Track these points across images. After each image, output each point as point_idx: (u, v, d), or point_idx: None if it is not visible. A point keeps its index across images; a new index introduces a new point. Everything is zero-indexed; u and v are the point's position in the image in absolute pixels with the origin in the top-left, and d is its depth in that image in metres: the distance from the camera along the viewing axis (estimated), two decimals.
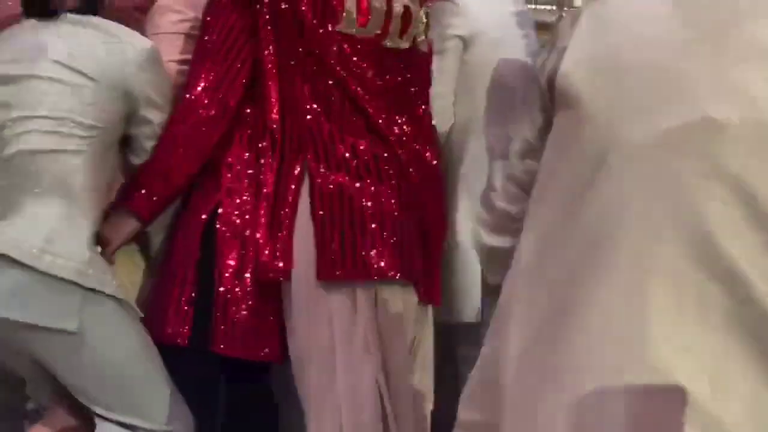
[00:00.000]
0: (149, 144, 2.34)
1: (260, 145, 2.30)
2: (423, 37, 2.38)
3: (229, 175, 2.32)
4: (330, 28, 2.23)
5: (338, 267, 2.19)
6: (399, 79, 2.33)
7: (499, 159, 1.87)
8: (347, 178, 2.23)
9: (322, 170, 2.23)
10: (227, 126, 2.30)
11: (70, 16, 2.32)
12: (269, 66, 2.26)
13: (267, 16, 2.25)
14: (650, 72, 1.34)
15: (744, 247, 1.25)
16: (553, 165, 1.44)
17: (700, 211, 1.27)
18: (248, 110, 2.32)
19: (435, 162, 2.43)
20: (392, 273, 2.21)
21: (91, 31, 2.29)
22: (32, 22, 2.32)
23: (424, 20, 2.39)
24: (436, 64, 2.53)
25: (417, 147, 2.36)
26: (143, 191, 2.31)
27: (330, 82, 2.24)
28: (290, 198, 2.23)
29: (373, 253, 2.20)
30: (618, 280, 1.30)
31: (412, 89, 2.38)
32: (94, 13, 2.35)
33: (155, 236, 2.50)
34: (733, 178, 1.26)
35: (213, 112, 2.28)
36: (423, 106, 2.42)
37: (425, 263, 2.35)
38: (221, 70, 2.29)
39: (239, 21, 2.28)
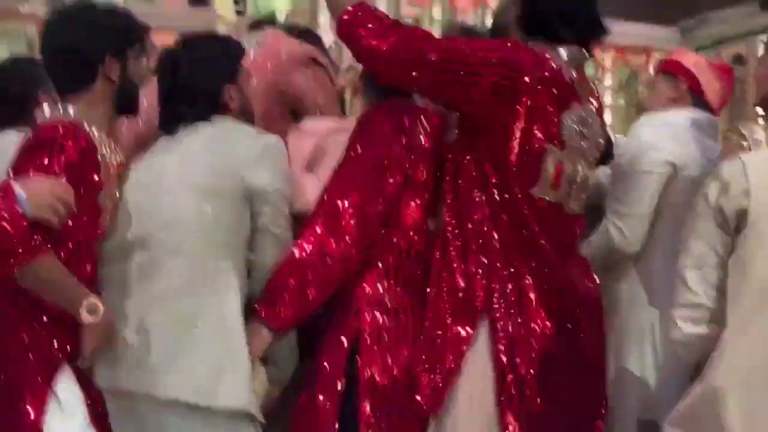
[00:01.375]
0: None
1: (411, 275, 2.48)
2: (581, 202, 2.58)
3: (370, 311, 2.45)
4: (527, 191, 2.41)
5: None
6: (569, 239, 2.55)
7: (695, 269, 2.27)
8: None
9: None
10: (368, 253, 2.44)
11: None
12: (446, 208, 2.46)
13: (449, 165, 2.47)
14: None
15: None
16: (743, 269, 2.17)
17: None
18: (394, 239, 2.48)
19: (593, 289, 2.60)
20: None
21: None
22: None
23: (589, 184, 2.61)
24: (642, 183, 2.77)
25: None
26: (280, 307, 2.40)
27: (516, 233, 2.41)
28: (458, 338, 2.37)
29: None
30: None
31: (573, 248, 2.57)
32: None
33: None
34: None
35: (357, 237, 2.41)
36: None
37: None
38: (372, 193, 2.43)
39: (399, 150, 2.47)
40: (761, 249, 2.17)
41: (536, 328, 2.38)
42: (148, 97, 2.61)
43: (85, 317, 2.22)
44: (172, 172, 2.42)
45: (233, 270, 2.41)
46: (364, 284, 2.47)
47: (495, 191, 2.43)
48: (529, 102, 2.40)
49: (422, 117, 2.54)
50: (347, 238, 2.42)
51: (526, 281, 2.40)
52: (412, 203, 2.51)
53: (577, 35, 2.55)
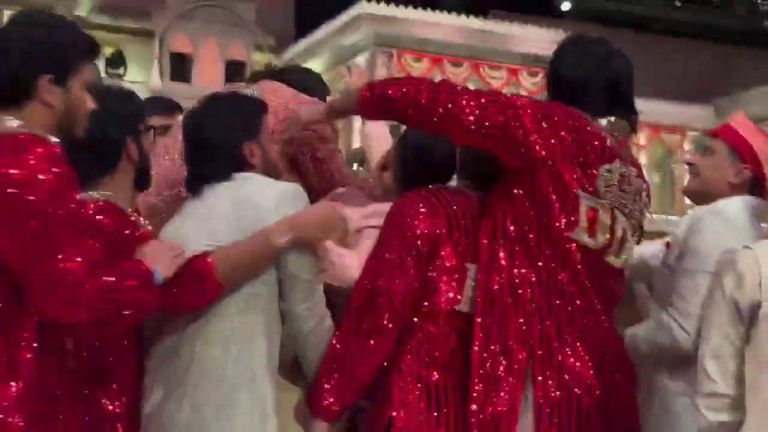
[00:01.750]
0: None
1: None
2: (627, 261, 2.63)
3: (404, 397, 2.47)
4: (567, 233, 2.48)
5: None
6: (612, 293, 2.57)
7: (714, 358, 2.31)
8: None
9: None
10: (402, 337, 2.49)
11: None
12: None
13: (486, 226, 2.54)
14: None
15: None
16: (758, 360, 2.22)
17: None
18: (426, 323, 2.50)
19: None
20: None
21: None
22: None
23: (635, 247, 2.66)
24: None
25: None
26: (328, 398, 2.45)
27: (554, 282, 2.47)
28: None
29: None
30: None
31: (611, 304, 2.59)
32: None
33: None
34: None
35: (391, 325, 2.46)
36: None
37: None
38: (399, 279, 2.47)
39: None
40: None
41: (577, 390, 2.42)
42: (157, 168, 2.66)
43: (282, 242, 2.36)
44: (196, 234, 2.44)
45: (264, 324, 2.42)
46: (398, 370, 2.48)
47: (534, 239, 2.48)
48: (555, 145, 2.46)
49: (447, 207, 2.56)
50: (380, 325, 2.46)
51: (566, 339, 2.45)
52: (442, 286, 2.52)
53: (606, 110, 2.60)
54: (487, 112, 2.47)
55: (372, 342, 2.46)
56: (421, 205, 2.54)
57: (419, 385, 2.48)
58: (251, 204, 2.41)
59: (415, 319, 2.50)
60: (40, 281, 2.05)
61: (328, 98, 2.85)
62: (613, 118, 2.60)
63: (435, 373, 2.50)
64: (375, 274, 2.50)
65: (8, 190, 2.03)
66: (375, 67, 18.36)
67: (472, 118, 2.46)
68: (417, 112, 2.49)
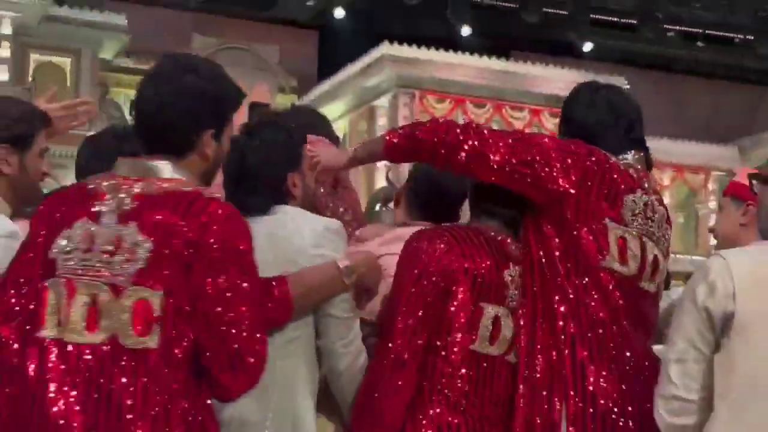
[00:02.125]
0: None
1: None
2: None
3: None
4: (599, 262, 2.56)
5: None
6: (647, 317, 2.64)
7: (678, 363, 2.36)
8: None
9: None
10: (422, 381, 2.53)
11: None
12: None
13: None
14: None
15: None
16: (731, 366, 2.28)
17: None
18: (446, 368, 2.54)
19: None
20: None
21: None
22: None
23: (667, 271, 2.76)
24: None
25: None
26: None
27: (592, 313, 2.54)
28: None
29: None
30: None
31: (646, 329, 2.65)
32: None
33: None
34: None
35: (412, 359, 2.48)
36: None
37: None
38: (418, 321, 2.50)
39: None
40: (749, 348, 2.28)
41: (612, 416, 2.48)
42: None
43: (349, 282, 2.41)
44: None
45: (305, 366, 2.41)
46: (411, 410, 2.50)
47: (563, 271, 2.54)
48: (581, 178, 2.55)
49: (462, 244, 2.59)
50: (401, 360, 2.48)
51: (601, 372, 2.50)
52: (457, 325, 2.52)
53: (622, 149, 2.71)
54: (514, 150, 2.54)
55: (395, 377, 2.47)
56: (438, 241, 2.56)
57: (433, 425, 2.49)
58: (291, 242, 2.41)
59: (430, 358, 2.51)
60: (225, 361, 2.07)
61: (351, 148, 2.89)
62: (630, 154, 2.70)
63: (448, 413, 2.51)
64: (393, 310, 2.52)
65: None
66: (397, 108, 18.43)
67: (499, 156, 2.52)
68: (446, 152, 2.54)
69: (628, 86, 19.44)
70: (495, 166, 2.52)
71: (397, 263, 2.59)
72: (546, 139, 2.62)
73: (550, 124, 18.64)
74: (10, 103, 2.64)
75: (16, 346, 2.07)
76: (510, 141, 2.55)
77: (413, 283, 2.51)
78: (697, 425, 2.33)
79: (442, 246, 2.55)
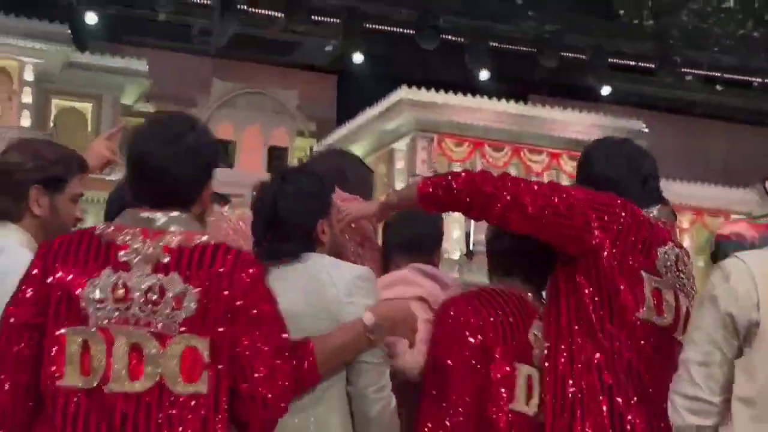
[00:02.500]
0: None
1: None
2: None
3: None
4: (636, 313, 2.59)
5: None
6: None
7: (702, 365, 2.34)
8: None
9: None
10: None
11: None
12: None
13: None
14: None
15: None
16: (753, 373, 2.28)
17: None
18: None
19: None
20: None
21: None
22: None
23: None
24: None
25: None
26: None
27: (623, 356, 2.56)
28: None
29: None
30: None
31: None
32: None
33: None
34: None
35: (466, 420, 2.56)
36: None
37: None
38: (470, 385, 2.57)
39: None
40: None
41: None
42: None
43: (376, 339, 2.42)
44: None
45: (336, 413, 2.42)
46: None
47: (597, 323, 2.56)
48: (617, 231, 2.58)
49: (489, 307, 2.64)
50: (457, 423, 2.54)
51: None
52: (497, 386, 2.57)
53: (645, 202, 2.73)
54: (550, 200, 2.56)
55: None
56: (469, 308, 2.62)
57: None
58: (323, 291, 2.43)
59: (481, 424, 2.56)
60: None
61: (384, 195, 2.90)
62: (656, 208, 2.74)
63: None
64: (443, 381, 2.56)
65: None
66: (416, 151, 18.49)
67: (535, 207, 2.55)
68: (482, 203, 2.57)
69: (646, 129, 19.46)
70: (531, 216, 2.54)
71: (434, 331, 2.64)
72: (581, 192, 2.65)
73: (569, 167, 18.64)
74: (48, 146, 2.68)
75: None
76: (546, 191, 2.58)
77: (457, 354, 2.57)
78: (714, 427, 2.34)
79: (477, 312, 2.60)
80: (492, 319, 2.60)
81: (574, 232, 2.57)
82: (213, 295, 2.09)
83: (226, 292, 2.09)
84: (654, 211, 2.72)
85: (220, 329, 2.08)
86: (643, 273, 2.59)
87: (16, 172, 2.56)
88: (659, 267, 2.63)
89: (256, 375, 2.10)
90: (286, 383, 2.14)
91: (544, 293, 2.75)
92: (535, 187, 2.59)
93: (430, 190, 2.62)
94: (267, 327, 2.14)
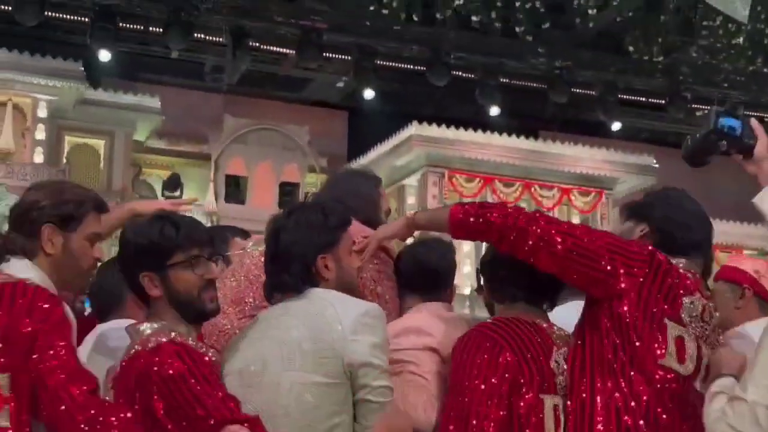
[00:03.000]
0: None
1: None
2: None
3: None
4: (658, 360, 2.62)
5: None
6: (698, 417, 2.62)
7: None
8: None
9: None
10: None
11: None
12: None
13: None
14: None
15: None
16: None
17: None
18: None
19: None
20: None
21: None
22: None
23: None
24: None
25: None
26: None
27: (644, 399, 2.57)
28: None
29: None
30: None
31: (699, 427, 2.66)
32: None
33: None
34: None
35: None
36: None
37: None
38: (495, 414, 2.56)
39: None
40: None
41: None
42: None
43: None
44: (274, 360, 2.42)
45: None
46: None
47: (619, 367, 2.58)
48: (643, 278, 2.61)
49: (510, 340, 2.65)
50: None
51: None
52: (526, 420, 2.60)
53: (695, 257, 2.80)
54: (580, 242, 2.61)
55: None
56: (488, 343, 2.62)
57: None
58: (328, 330, 2.43)
59: None
60: None
61: (411, 213, 2.91)
62: (694, 259, 2.78)
63: None
64: (465, 415, 2.55)
65: None
66: (426, 187, 18.49)
67: (563, 247, 2.59)
68: (515, 237, 2.60)
69: (657, 165, 19.43)
70: (560, 256, 2.58)
71: (453, 372, 2.62)
72: (609, 237, 2.69)
73: (580, 202, 18.61)
74: (66, 186, 2.71)
75: None
76: (576, 233, 2.61)
77: (480, 392, 2.55)
78: None
79: (495, 347, 2.61)
80: (516, 351, 2.61)
81: (601, 275, 2.60)
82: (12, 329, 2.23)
83: (24, 328, 2.22)
84: (683, 261, 2.75)
85: (19, 363, 2.20)
86: (666, 320, 2.61)
87: (30, 210, 2.58)
88: (684, 316, 2.65)
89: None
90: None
91: (548, 311, 2.75)
92: (566, 227, 2.63)
93: (463, 217, 2.63)
94: (62, 355, 2.25)
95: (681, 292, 2.67)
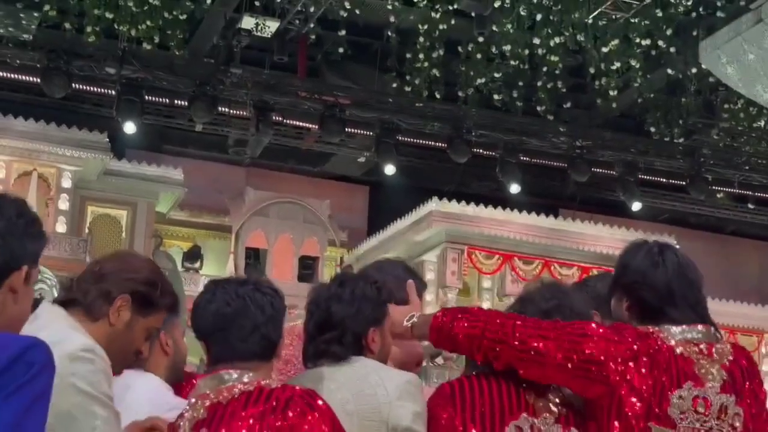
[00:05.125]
0: None
1: None
2: None
3: None
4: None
5: None
6: None
7: None
8: None
9: None
10: None
11: None
12: None
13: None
14: None
15: None
16: None
17: None
18: None
19: None
20: None
21: None
22: None
23: None
24: None
25: None
26: None
27: None
28: None
29: None
30: None
31: None
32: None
33: None
34: None
35: None
36: None
37: None
38: None
39: None
40: None
41: None
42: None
43: None
44: None
45: None
46: None
47: None
48: (619, 378, 2.47)
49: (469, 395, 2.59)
50: None
51: None
52: None
53: (684, 318, 2.61)
54: (577, 346, 2.48)
55: None
56: (448, 406, 2.55)
57: None
58: (373, 396, 2.46)
59: None
60: None
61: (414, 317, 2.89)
62: (697, 328, 2.59)
63: None
64: None
65: None
66: (446, 263, 18.48)
67: (561, 354, 2.47)
68: (486, 348, 2.52)
69: (678, 246, 19.37)
70: (558, 365, 2.47)
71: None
72: (593, 329, 2.53)
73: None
74: (161, 272, 2.65)
75: None
76: (559, 335, 2.49)
77: None
78: None
79: (448, 405, 2.55)
80: (468, 412, 2.54)
81: (599, 377, 2.50)
82: None
83: None
84: (689, 333, 2.57)
85: None
86: (651, 425, 2.47)
87: (121, 272, 2.51)
88: (672, 414, 2.50)
89: None
90: None
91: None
92: (543, 331, 2.49)
93: (435, 336, 2.61)
94: None
95: (670, 382, 2.50)
